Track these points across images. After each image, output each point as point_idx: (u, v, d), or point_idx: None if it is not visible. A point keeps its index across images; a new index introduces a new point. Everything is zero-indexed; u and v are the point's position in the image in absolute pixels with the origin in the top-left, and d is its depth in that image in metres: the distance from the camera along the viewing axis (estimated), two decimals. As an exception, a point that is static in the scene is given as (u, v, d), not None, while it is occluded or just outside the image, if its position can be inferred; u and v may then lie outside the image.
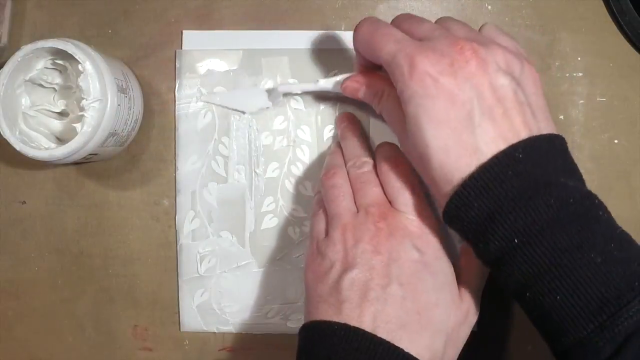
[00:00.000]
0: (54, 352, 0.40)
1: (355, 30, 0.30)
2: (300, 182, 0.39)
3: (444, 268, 0.31)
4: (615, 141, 0.40)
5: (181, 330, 0.39)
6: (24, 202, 0.40)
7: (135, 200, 0.40)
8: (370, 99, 0.32)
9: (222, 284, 0.39)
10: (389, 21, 0.31)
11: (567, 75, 0.39)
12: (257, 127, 0.39)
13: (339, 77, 0.34)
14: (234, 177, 0.39)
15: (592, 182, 0.40)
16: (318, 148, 0.39)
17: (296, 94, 0.38)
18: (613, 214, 0.40)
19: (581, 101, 0.40)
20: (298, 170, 0.39)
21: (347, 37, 0.39)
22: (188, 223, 0.39)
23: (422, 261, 0.30)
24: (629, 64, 0.39)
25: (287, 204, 0.39)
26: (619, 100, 0.40)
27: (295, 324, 0.39)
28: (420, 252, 0.30)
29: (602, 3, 0.39)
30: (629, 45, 0.39)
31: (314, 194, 0.38)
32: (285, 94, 0.38)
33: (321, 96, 0.38)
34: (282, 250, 0.39)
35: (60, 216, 0.40)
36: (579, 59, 0.39)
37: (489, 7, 0.39)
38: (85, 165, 0.39)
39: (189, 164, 0.39)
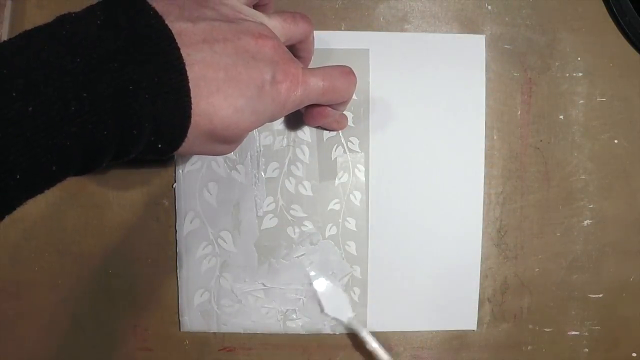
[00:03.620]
0: (54, 352, 0.40)
1: None
2: (300, 182, 0.39)
3: None
4: (615, 141, 0.40)
5: (181, 330, 0.39)
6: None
7: (135, 200, 0.40)
8: None
9: (222, 284, 0.39)
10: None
11: (567, 75, 0.39)
12: (257, 127, 0.39)
13: None
14: (234, 177, 0.39)
15: (592, 182, 0.40)
16: (318, 148, 0.39)
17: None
18: (613, 214, 0.40)
19: (581, 101, 0.40)
20: (298, 170, 0.39)
21: (347, 37, 0.39)
22: (188, 223, 0.39)
23: None
24: (629, 64, 0.39)
25: (287, 204, 0.39)
26: (619, 100, 0.40)
27: (295, 323, 0.39)
28: None
29: (602, 3, 0.39)
30: (629, 45, 0.39)
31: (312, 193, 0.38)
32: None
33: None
34: (282, 250, 0.39)
35: (60, 216, 0.40)
36: (579, 59, 0.39)
37: (489, 7, 0.39)
38: (85, 165, 0.39)
39: (189, 164, 0.39)
